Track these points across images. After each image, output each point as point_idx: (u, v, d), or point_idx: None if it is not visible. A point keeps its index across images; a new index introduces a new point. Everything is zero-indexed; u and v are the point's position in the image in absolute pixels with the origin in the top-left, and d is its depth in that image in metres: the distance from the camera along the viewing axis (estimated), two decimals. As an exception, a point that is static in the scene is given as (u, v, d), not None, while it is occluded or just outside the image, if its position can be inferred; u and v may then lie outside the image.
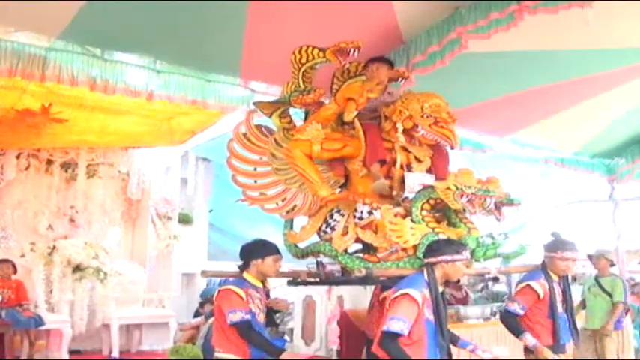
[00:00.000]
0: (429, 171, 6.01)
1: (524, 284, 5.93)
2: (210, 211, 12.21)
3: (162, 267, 11.06)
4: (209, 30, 6.68)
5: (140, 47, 6.89)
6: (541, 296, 5.87)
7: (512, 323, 5.89)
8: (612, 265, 9.52)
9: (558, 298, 5.97)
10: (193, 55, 7.13)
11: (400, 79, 6.83)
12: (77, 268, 9.86)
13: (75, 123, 8.56)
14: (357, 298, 9.58)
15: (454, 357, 5.06)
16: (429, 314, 4.74)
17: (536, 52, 8.16)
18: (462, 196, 5.31)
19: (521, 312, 5.84)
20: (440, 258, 4.86)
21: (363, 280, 5.83)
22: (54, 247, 9.83)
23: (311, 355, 9.43)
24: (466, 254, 4.93)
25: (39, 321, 9.09)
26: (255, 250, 5.44)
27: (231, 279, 5.54)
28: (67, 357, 9.29)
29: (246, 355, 5.18)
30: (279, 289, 12.85)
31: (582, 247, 16.45)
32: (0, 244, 9.97)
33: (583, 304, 9.49)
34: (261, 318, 5.35)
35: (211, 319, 8.88)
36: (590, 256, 9.42)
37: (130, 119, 8.61)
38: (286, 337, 11.19)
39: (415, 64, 7.52)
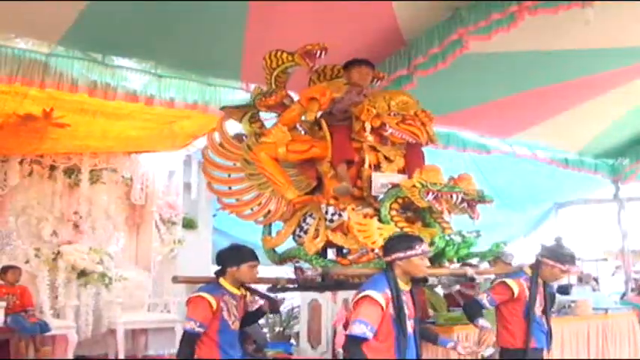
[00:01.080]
0: (401, 170, 5.95)
1: (500, 280, 5.76)
2: (214, 215, 12.20)
3: (167, 272, 11.01)
4: (209, 34, 6.70)
5: (140, 52, 6.91)
6: (515, 294, 5.68)
7: (473, 309, 5.68)
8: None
9: (538, 301, 5.82)
10: (194, 59, 7.15)
11: (376, 80, 6.79)
12: (82, 274, 9.85)
13: (76, 128, 8.56)
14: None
15: (434, 356, 4.97)
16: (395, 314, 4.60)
17: (538, 52, 8.17)
18: (427, 193, 5.30)
19: (489, 305, 5.64)
20: (393, 256, 4.65)
21: (338, 285, 5.80)
22: (58, 252, 9.82)
23: (317, 359, 9.41)
24: (421, 248, 4.64)
25: (44, 327, 9.09)
26: (231, 257, 5.26)
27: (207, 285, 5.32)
28: (73, 363, 9.30)
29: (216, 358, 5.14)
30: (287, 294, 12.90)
31: (589, 247, 16.50)
32: (5, 250, 9.96)
33: None
34: (235, 325, 5.24)
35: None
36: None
37: (132, 123, 8.61)
38: (292, 340, 11.20)
39: (417, 65, 7.52)
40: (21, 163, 10.07)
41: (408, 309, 4.67)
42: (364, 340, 4.42)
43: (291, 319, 12.85)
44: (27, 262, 9.85)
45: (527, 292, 5.73)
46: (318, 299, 10.16)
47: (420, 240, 4.78)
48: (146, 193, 11.03)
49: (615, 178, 13.31)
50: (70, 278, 9.81)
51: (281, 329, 12.02)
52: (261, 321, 12.41)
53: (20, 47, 6.30)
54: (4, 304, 8.80)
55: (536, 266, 5.87)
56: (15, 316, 8.97)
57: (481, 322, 5.51)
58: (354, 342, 4.45)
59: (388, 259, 4.70)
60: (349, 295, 9.38)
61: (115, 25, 6.30)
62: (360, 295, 4.56)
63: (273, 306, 5.66)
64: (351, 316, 4.62)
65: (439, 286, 10.62)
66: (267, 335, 11.23)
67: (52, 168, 10.34)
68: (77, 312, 9.73)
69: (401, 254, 4.62)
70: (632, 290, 14.09)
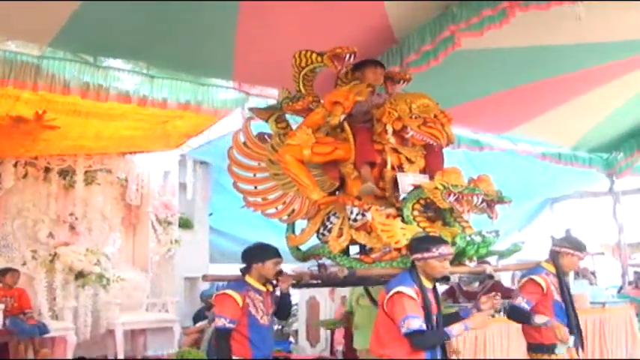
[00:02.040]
0: (422, 171, 6.02)
1: (526, 278, 5.91)
2: (211, 214, 12.23)
3: (164, 272, 11.06)
4: (201, 34, 6.71)
5: (132, 53, 6.92)
6: (545, 290, 5.85)
7: (520, 315, 5.88)
8: None
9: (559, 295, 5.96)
10: (185, 60, 7.16)
11: (402, 81, 6.83)
12: (79, 275, 9.87)
13: (70, 129, 8.59)
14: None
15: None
16: None
17: (530, 47, 8.19)
18: (449, 194, 5.35)
19: (527, 306, 5.79)
20: (413, 256, 4.89)
21: (360, 282, 5.96)
22: (55, 254, 9.84)
23: (317, 356, 9.46)
24: (439, 251, 4.82)
25: (43, 329, 9.10)
26: (257, 255, 5.49)
27: (232, 282, 5.56)
28: (72, 364, 9.32)
29: (247, 354, 5.28)
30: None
31: (585, 241, 16.49)
32: (1, 253, 9.97)
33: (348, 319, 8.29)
34: (265, 320, 5.41)
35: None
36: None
37: (125, 124, 8.63)
38: (291, 338, 11.25)
39: (409, 63, 7.55)
40: (15, 165, 10.07)
41: (432, 306, 4.81)
42: (423, 332, 4.60)
43: (290, 317, 12.89)
44: (24, 264, 9.87)
45: (552, 287, 5.88)
46: (316, 297, 10.22)
47: (440, 242, 4.93)
48: (141, 193, 11.04)
49: (610, 172, 13.35)
50: (67, 280, 9.84)
51: (280, 328, 12.06)
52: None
53: (12, 50, 6.31)
54: (2, 306, 8.82)
55: (554, 259, 6.02)
56: (13, 318, 8.99)
57: (537, 319, 5.74)
58: (417, 335, 4.60)
59: (412, 258, 4.91)
60: (347, 292, 9.47)
61: (107, 27, 6.31)
62: (392, 292, 4.73)
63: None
64: (387, 313, 4.77)
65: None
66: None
67: (47, 170, 10.34)
68: (75, 313, 9.75)
69: (419, 255, 4.83)
70: (630, 284, 14.12)
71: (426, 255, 4.80)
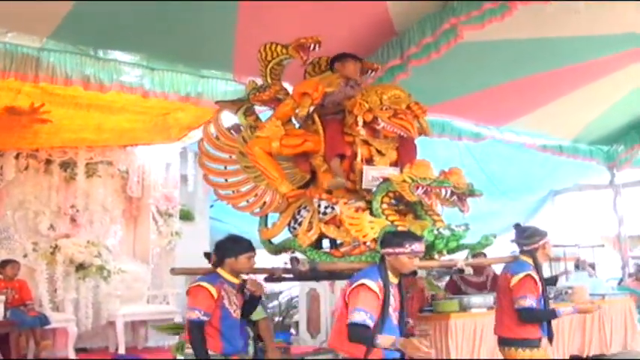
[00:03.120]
0: (394, 164, 5.96)
1: (522, 275, 5.77)
2: (211, 206, 12.23)
3: (165, 264, 11.03)
4: (200, 26, 6.72)
5: (132, 45, 6.93)
6: (538, 286, 5.82)
7: (537, 315, 5.81)
8: None
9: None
10: (186, 52, 7.17)
11: (370, 71, 6.81)
12: (80, 267, 9.88)
13: (71, 122, 8.59)
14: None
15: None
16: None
17: (531, 40, 8.19)
18: (417, 187, 5.34)
19: (536, 304, 5.72)
20: (383, 250, 4.76)
21: (332, 276, 5.97)
22: (56, 246, 9.85)
23: (317, 347, 9.48)
24: (411, 247, 4.70)
25: (44, 320, 9.12)
26: (229, 249, 5.37)
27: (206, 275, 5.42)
28: (74, 356, 9.31)
29: (217, 348, 5.23)
30: (284, 283, 12.95)
31: (585, 233, 16.51)
32: (2, 245, 9.98)
33: None
34: (237, 314, 5.33)
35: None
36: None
37: (126, 116, 8.63)
38: (292, 330, 11.27)
39: (409, 56, 7.55)
40: (17, 157, 10.06)
41: (395, 301, 4.74)
42: (366, 327, 4.48)
43: (291, 309, 12.93)
44: (25, 256, 9.87)
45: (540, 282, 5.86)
46: (316, 289, 10.24)
47: (413, 239, 4.80)
48: (142, 185, 11.03)
49: (610, 165, 13.36)
50: (68, 271, 9.85)
51: (280, 319, 12.10)
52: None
53: (13, 42, 6.31)
54: (3, 298, 8.82)
55: (532, 255, 5.97)
56: (14, 310, 9.00)
57: (563, 310, 5.94)
58: (357, 329, 4.49)
59: (381, 252, 4.79)
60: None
61: (106, 19, 6.32)
62: (356, 283, 4.62)
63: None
64: (348, 306, 4.64)
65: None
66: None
67: (48, 162, 10.34)
68: (76, 305, 9.76)
69: (390, 250, 4.70)
70: (630, 276, 14.15)
71: (397, 250, 4.68)
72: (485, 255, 6.40)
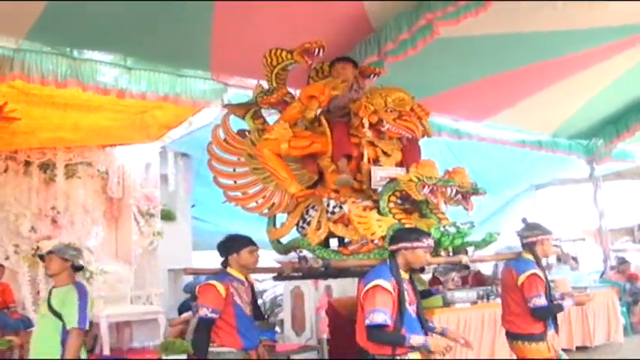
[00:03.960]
0: (399, 164, 6.12)
1: (529, 274, 6.02)
2: (193, 206, 12.24)
3: (147, 264, 11.04)
4: (177, 25, 6.71)
5: (108, 44, 6.91)
6: (544, 281, 6.05)
7: (549, 312, 6.05)
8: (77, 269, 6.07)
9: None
10: (162, 51, 7.16)
11: (372, 75, 6.94)
12: (63, 269, 9.85)
13: (48, 121, 8.56)
14: (345, 287, 9.68)
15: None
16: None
17: (508, 35, 8.23)
18: (423, 186, 5.46)
19: (546, 302, 5.96)
20: (400, 245, 4.99)
21: (340, 274, 6.00)
22: (38, 248, 9.81)
23: (302, 345, 9.51)
24: (427, 242, 5.01)
25: (27, 323, 9.10)
26: (230, 246, 5.62)
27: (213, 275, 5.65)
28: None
29: (237, 344, 5.39)
30: (267, 282, 12.97)
31: (567, 227, 16.61)
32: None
33: None
34: (247, 310, 5.52)
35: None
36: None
37: (103, 115, 8.59)
38: (277, 328, 11.28)
39: (387, 52, 7.58)
40: (-5, 159, 10.06)
41: (409, 296, 4.97)
42: (386, 327, 4.73)
43: (275, 307, 12.95)
44: (7, 258, 9.86)
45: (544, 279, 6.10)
46: (300, 287, 10.26)
47: (428, 235, 5.11)
48: (123, 186, 11.02)
49: (590, 159, 13.45)
50: (50, 273, 9.81)
51: (265, 317, 12.10)
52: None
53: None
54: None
55: (531, 249, 6.22)
56: (-2, 313, 8.99)
57: (566, 304, 6.15)
58: (377, 330, 4.75)
59: (394, 247, 5.03)
60: (331, 282, 9.52)
61: (82, 19, 6.30)
62: (370, 284, 4.86)
63: None
64: (364, 306, 4.89)
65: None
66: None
67: (27, 164, 10.30)
68: (59, 307, 9.72)
69: (407, 244, 4.97)
70: (612, 268, 14.27)
71: (415, 244, 4.95)
72: (466, 252, 6.51)
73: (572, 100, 10.87)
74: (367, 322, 4.75)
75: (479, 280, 12.18)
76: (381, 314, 4.71)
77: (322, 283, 10.04)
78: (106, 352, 9.57)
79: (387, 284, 4.82)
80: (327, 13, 6.98)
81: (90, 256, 10.20)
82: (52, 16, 6.09)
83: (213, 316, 5.27)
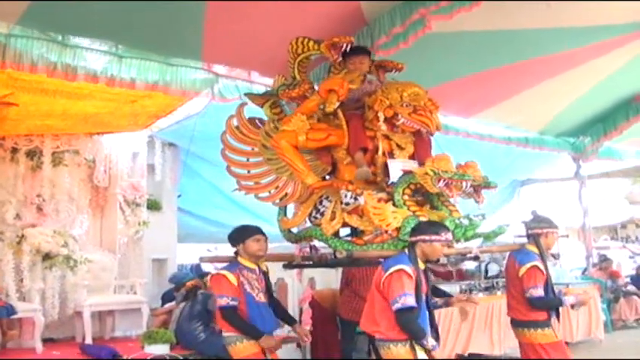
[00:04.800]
0: (411, 157, 6.22)
1: (529, 266, 6.22)
2: (179, 196, 12.18)
3: (132, 253, 10.98)
4: (169, 13, 6.66)
5: (100, 32, 6.87)
6: (544, 274, 6.24)
7: (547, 303, 6.25)
8: None
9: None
10: (154, 39, 7.12)
11: (393, 69, 6.96)
12: (47, 257, 9.76)
13: (37, 107, 8.46)
14: (328, 280, 9.70)
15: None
16: None
17: (499, 31, 8.27)
18: (439, 180, 5.57)
19: (542, 293, 6.17)
20: (419, 237, 5.19)
21: (352, 262, 6.15)
22: (22, 235, 9.71)
23: (284, 336, 9.51)
24: (445, 236, 5.20)
25: (11, 310, 9.01)
26: (237, 237, 5.88)
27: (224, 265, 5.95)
28: (41, 346, 9.22)
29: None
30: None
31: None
32: (-32, 235, 9.85)
33: None
34: (260, 297, 5.72)
35: (183, 304, 8.92)
36: None
37: (92, 102, 8.49)
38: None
39: (379, 45, 7.59)
40: (-18, 146, 9.98)
41: (423, 286, 5.13)
42: (414, 309, 4.92)
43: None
44: (-9, 245, 9.78)
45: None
46: (284, 278, 10.26)
47: (447, 229, 5.31)
48: (109, 174, 10.93)
49: (576, 157, 13.53)
50: (34, 261, 9.72)
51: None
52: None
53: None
54: (-30, 289, 8.75)
55: (536, 241, 6.42)
56: (-20, 300, 8.91)
57: (566, 300, 6.36)
58: (408, 312, 4.92)
59: (413, 239, 5.24)
60: (315, 274, 9.54)
61: (74, 6, 6.24)
62: (395, 268, 5.04)
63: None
64: (383, 292, 5.06)
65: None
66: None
67: (14, 150, 10.20)
68: (43, 295, 9.64)
69: (426, 237, 5.19)
70: (594, 266, 14.39)
71: (434, 237, 5.16)
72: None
73: (560, 98, 10.94)
74: (399, 305, 4.90)
75: (462, 275, 12.25)
76: (410, 297, 4.90)
77: (306, 276, 10.05)
78: (88, 340, 9.52)
79: (409, 269, 5.01)
80: (320, 6, 6.97)
81: (74, 245, 10.14)
82: (45, 3, 6.04)
83: (234, 303, 5.55)
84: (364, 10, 7.40)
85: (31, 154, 10.34)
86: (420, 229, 5.29)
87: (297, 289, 10.19)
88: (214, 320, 8.22)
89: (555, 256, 14.30)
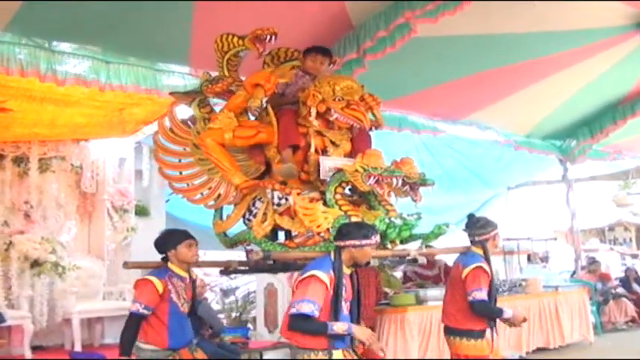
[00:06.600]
0: (349, 155, 5.97)
1: (474, 267, 5.79)
2: (167, 200, 12.14)
3: (120, 260, 10.90)
4: (156, 19, 6.66)
5: (87, 38, 6.85)
6: (489, 277, 5.84)
7: (489, 310, 5.82)
8: None
9: None
10: (141, 45, 7.10)
11: (330, 64, 6.66)
12: (35, 264, 9.73)
13: (24, 115, 8.45)
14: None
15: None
16: None
17: (485, 35, 8.30)
18: (369, 177, 5.39)
19: (486, 297, 5.72)
20: (348, 242, 4.78)
21: (284, 267, 5.94)
22: (10, 242, 9.66)
23: (274, 342, 9.49)
24: (375, 239, 4.83)
25: (1, 318, 9.00)
26: (166, 242, 5.46)
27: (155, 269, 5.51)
28: (30, 353, 9.19)
29: (163, 343, 5.27)
30: (240, 278, 12.92)
31: (539, 227, 16.76)
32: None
33: None
34: (185, 308, 5.40)
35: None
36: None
37: (80, 110, 8.48)
38: (250, 325, 11.25)
39: (365, 49, 7.60)
40: (-31, 153, 9.93)
41: (346, 292, 4.78)
42: (312, 318, 4.51)
43: (248, 305, 12.90)
44: (-22, 252, 9.73)
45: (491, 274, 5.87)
46: (274, 284, 10.24)
47: (375, 230, 4.94)
48: (97, 181, 10.88)
49: (564, 159, 13.58)
50: (23, 268, 9.69)
51: (238, 314, 12.07)
52: (218, 306, 12.44)
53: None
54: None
55: (483, 245, 5.99)
56: (-31, 308, 8.88)
57: (507, 310, 5.85)
58: (302, 319, 4.53)
59: (341, 244, 4.79)
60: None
61: (61, 12, 6.23)
62: (306, 274, 4.64)
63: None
64: (293, 294, 4.70)
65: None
66: (224, 320, 11.25)
67: (1, 157, 10.16)
68: (32, 302, 9.61)
69: (356, 242, 4.75)
70: (582, 268, 14.44)
71: (364, 242, 4.75)
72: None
73: (546, 101, 10.98)
74: (293, 310, 4.53)
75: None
76: (310, 305, 4.50)
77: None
78: (78, 348, 9.49)
79: (324, 276, 4.61)
80: (306, 10, 6.97)
81: (62, 252, 10.10)
82: (33, 9, 6.02)
83: (145, 312, 5.12)
84: (350, 15, 7.40)
85: (18, 160, 10.29)
86: (348, 233, 4.81)
87: (286, 294, 10.18)
88: (204, 327, 8.22)
89: (542, 259, 14.39)
